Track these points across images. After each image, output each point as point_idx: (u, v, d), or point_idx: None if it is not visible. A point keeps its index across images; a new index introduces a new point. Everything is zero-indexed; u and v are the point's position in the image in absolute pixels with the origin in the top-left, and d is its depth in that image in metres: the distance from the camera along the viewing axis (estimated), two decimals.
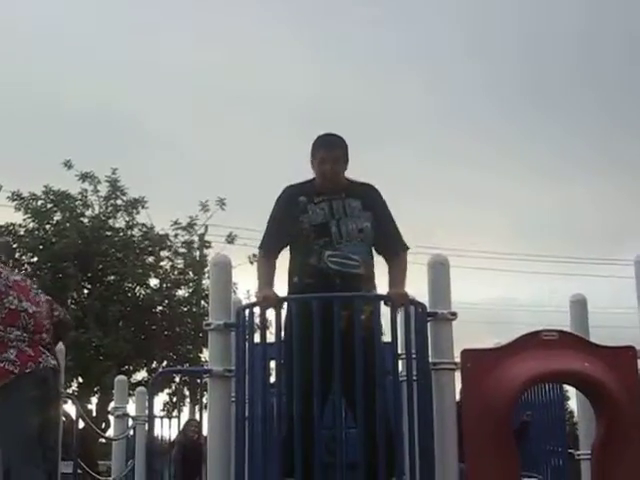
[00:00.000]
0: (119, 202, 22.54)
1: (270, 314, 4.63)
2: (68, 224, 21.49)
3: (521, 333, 4.70)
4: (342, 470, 4.32)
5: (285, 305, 4.64)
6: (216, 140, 39.48)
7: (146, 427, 8.16)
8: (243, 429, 4.56)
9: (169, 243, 22.87)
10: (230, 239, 23.15)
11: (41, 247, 21.49)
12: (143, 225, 22.71)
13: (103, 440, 14.43)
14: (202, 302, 22.10)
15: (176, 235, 23.02)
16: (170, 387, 21.37)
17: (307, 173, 5.03)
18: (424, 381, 4.58)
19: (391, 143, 43.00)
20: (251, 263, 19.83)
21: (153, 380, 11.46)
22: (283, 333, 4.54)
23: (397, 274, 4.86)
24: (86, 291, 22.28)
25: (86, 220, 22.20)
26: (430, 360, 4.65)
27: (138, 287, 22.60)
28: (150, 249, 22.60)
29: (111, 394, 14.81)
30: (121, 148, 33.31)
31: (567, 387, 7.14)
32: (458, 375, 4.66)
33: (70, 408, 8.93)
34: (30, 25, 38.47)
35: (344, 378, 4.32)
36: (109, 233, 22.21)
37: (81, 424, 8.43)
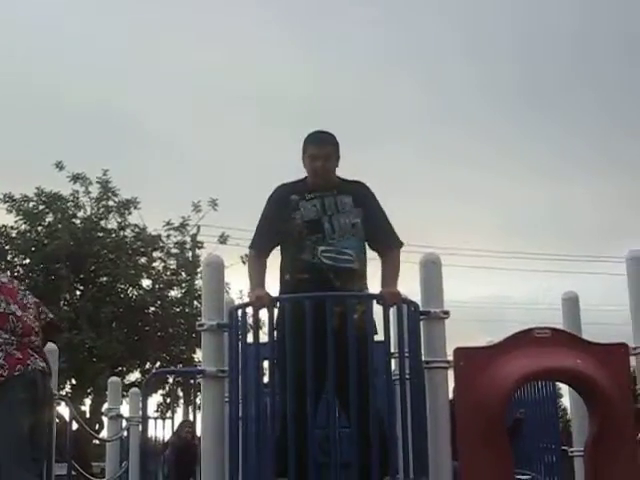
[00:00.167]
0: (111, 203, 22.52)
1: (263, 314, 4.63)
2: (60, 226, 21.48)
3: (514, 331, 4.71)
4: (336, 469, 4.32)
5: (277, 304, 4.64)
6: (208, 140, 39.48)
7: (140, 428, 8.15)
8: (237, 429, 4.56)
9: (161, 244, 22.89)
10: (222, 239, 23.17)
11: (33, 249, 21.48)
12: (135, 226, 22.72)
13: (97, 441, 14.40)
14: (195, 302, 22.10)
15: (168, 236, 23.06)
16: (164, 388, 21.37)
17: (300, 172, 5.04)
18: (417, 380, 4.59)
19: (386, 142, 43.05)
20: (244, 263, 19.80)
21: (146, 381, 11.43)
22: (276, 332, 4.55)
23: (390, 271, 4.87)
24: (79, 292, 22.27)
25: (78, 221, 22.20)
26: (423, 359, 4.66)
27: (131, 288, 22.60)
28: (142, 250, 22.61)
29: (104, 395, 14.77)
30: (113, 149, 33.30)
31: (560, 384, 7.15)
32: (451, 373, 4.67)
33: (63, 410, 8.92)
34: (28, 24, 38.40)
35: (337, 377, 4.32)
36: (101, 234, 22.21)
37: (75, 426, 8.40)
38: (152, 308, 22.51)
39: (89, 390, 21.81)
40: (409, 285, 4.99)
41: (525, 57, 49.31)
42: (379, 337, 4.53)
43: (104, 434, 11.43)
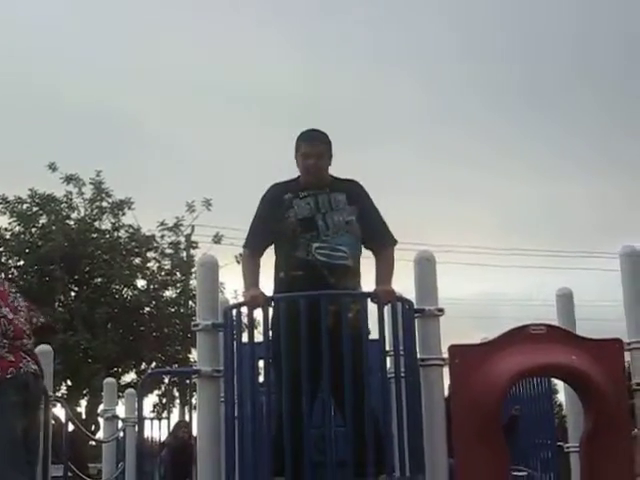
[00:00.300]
0: (104, 204, 22.50)
1: (258, 314, 4.64)
2: (54, 227, 21.46)
3: (508, 328, 4.72)
4: (332, 468, 4.32)
5: (272, 303, 4.64)
6: (202, 140, 39.41)
7: (136, 429, 8.14)
8: (232, 429, 4.57)
9: (156, 244, 22.86)
10: (217, 239, 23.15)
11: (27, 250, 21.46)
12: (129, 226, 22.70)
13: (93, 443, 14.37)
14: (190, 302, 22.09)
15: (163, 236, 23.03)
16: (159, 388, 21.36)
17: (294, 171, 5.04)
18: (412, 377, 4.59)
19: (385, 141, 42.98)
20: (238, 262, 19.77)
21: (142, 382, 11.46)
22: (271, 332, 4.55)
23: (384, 269, 4.87)
24: (73, 294, 22.25)
25: (72, 223, 22.17)
26: (418, 356, 4.66)
27: (125, 289, 22.58)
28: (137, 250, 22.59)
29: (100, 396, 14.78)
30: (106, 150, 33.17)
31: (556, 380, 7.16)
32: (446, 371, 4.67)
33: (59, 411, 8.91)
34: (24, 24, 38.33)
35: (332, 376, 4.32)
36: (95, 235, 22.18)
37: (71, 427, 8.39)
38: (147, 308, 22.48)
39: (85, 391, 21.78)
40: (404, 283, 4.99)
41: (524, 57, 49.29)
42: (373, 335, 4.53)
43: (100, 435, 11.43)
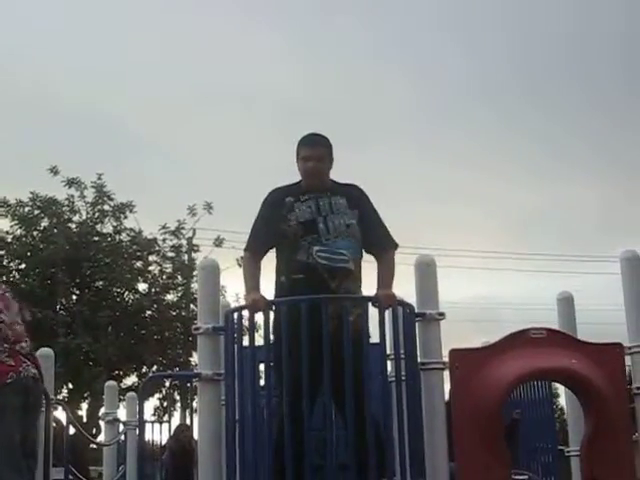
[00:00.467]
0: (106, 207, 22.50)
1: (259, 317, 4.64)
2: (55, 230, 21.44)
3: (509, 331, 4.72)
4: (333, 472, 4.32)
5: (273, 307, 4.64)
6: (203, 144, 39.45)
7: (137, 432, 8.15)
8: (233, 432, 4.57)
9: (157, 247, 22.85)
10: (218, 242, 23.13)
11: (29, 254, 21.44)
12: (131, 230, 22.69)
13: (94, 446, 14.38)
14: (191, 306, 22.08)
15: (164, 239, 23.02)
16: (160, 392, 21.33)
17: (295, 175, 5.05)
18: (413, 381, 4.59)
19: (382, 143, 43.05)
20: (239, 266, 19.77)
21: (143, 385, 11.44)
22: (272, 335, 4.55)
23: (385, 273, 4.87)
24: (75, 297, 22.23)
25: (73, 226, 22.16)
26: (419, 360, 4.67)
27: (127, 292, 22.57)
28: (138, 254, 22.58)
29: (101, 400, 14.80)
30: (108, 153, 33.24)
31: (557, 384, 7.17)
32: (447, 375, 4.67)
33: (60, 414, 8.92)
34: (25, 28, 38.39)
35: (333, 380, 4.33)
36: (97, 238, 22.16)
37: (72, 430, 8.39)
38: (148, 312, 22.46)
39: (86, 394, 21.76)
40: (404, 287, 5.00)
41: (522, 57, 49.36)
42: (374, 339, 4.54)
43: (101, 438, 11.42)
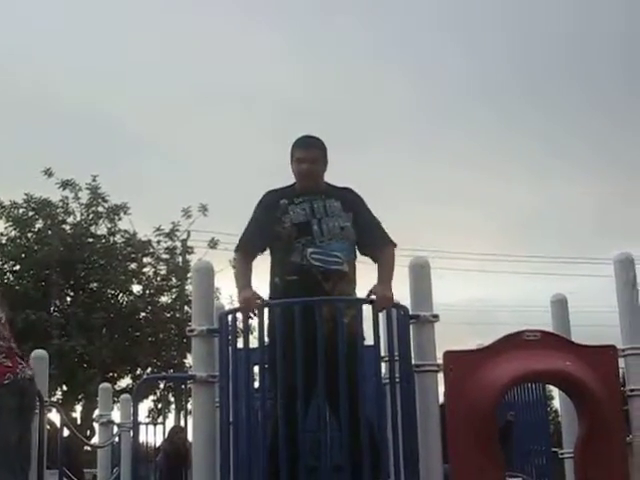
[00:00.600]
0: (100, 209, 22.50)
1: (253, 320, 4.63)
2: (50, 232, 21.45)
3: (503, 334, 4.73)
4: (327, 473, 4.33)
5: (267, 308, 4.64)
6: (198, 145, 39.43)
7: (131, 434, 8.14)
8: (228, 434, 4.57)
9: (152, 249, 22.85)
10: (212, 244, 23.14)
11: (23, 255, 21.45)
12: (125, 232, 22.69)
13: (88, 448, 14.37)
14: (185, 308, 22.08)
15: (159, 241, 23.03)
16: (155, 393, 21.34)
17: (290, 176, 5.05)
18: (407, 383, 4.60)
19: (379, 144, 43.04)
20: (233, 268, 19.78)
21: (137, 387, 11.43)
22: (267, 337, 4.55)
23: (384, 268, 4.85)
24: (69, 298, 22.25)
25: (68, 227, 22.17)
26: (413, 362, 4.67)
27: (121, 294, 22.58)
28: (133, 256, 22.59)
29: (96, 402, 14.76)
30: (102, 154, 33.20)
31: (551, 386, 7.17)
32: (441, 377, 4.68)
33: (54, 416, 8.90)
34: (23, 28, 38.37)
35: (327, 382, 4.33)
36: (91, 240, 22.18)
37: (66, 432, 8.39)
38: (143, 314, 22.47)
39: (80, 396, 21.76)
40: (399, 289, 4.99)
41: (522, 57, 49.37)
42: (368, 341, 4.54)
43: (95, 440, 11.42)
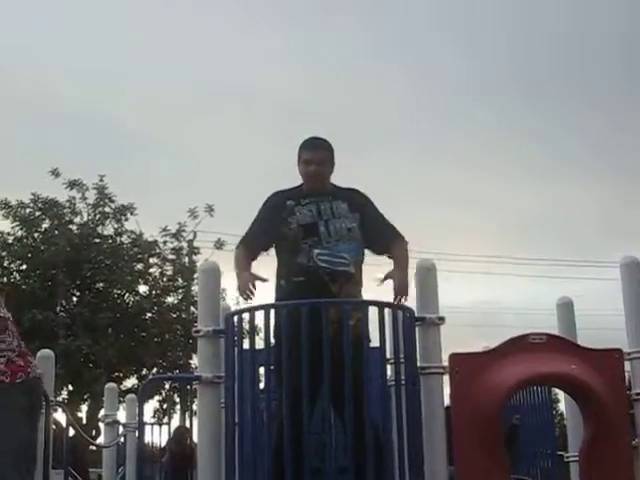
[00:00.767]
0: (107, 209, 22.53)
1: (259, 320, 4.64)
2: (56, 232, 21.46)
3: (509, 336, 4.73)
4: (332, 475, 4.33)
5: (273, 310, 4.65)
6: (204, 145, 39.47)
7: (136, 434, 8.15)
8: (233, 435, 4.57)
9: (158, 250, 22.86)
10: (219, 245, 23.14)
11: (30, 255, 21.46)
12: (132, 232, 22.71)
13: (94, 448, 14.38)
14: (192, 308, 22.09)
15: (165, 242, 23.03)
16: (160, 394, 21.35)
17: (296, 177, 5.06)
18: (412, 385, 4.60)
19: (381, 145, 43.03)
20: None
21: (143, 387, 11.45)
22: (273, 338, 4.55)
23: (400, 260, 4.90)
24: (75, 299, 22.25)
25: (74, 227, 22.18)
26: (418, 364, 4.67)
27: (127, 294, 22.59)
28: (139, 256, 22.60)
29: (101, 401, 14.80)
30: (109, 154, 33.25)
31: (556, 389, 7.16)
32: (447, 379, 4.68)
33: (60, 416, 8.92)
34: (26, 28, 38.42)
35: (332, 384, 4.33)
36: (98, 240, 22.19)
37: (71, 432, 8.40)
38: (149, 314, 22.48)
39: (86, 396, 21.77)
40: None
41: (522, 57, 49.33)
42: (374, 343, 4.54)
43: (101, 440, 11.42)
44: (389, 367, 4.71)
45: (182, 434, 11.05)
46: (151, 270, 22.86)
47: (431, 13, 48.86)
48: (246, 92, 40.61)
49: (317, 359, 4.32)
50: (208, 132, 39.79)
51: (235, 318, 4.69)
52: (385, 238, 4.97)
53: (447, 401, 4.87)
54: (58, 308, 21.45)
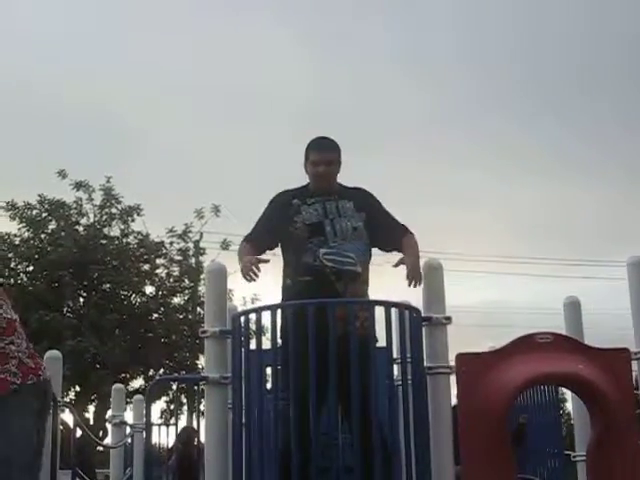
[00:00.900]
0: (114, 210, 22.57)
1: (266, 320, 4.64)
2: (63, 233, 21.53)
3: (516, 336, 4.72)
4: (338, 475, 4.33)
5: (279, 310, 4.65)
6: (211, 146, 39.48)
7: (144, 435, 8.15)
8: (240, 436, 4.58)
9: (164, 251, 22.91)
10: (225, 245, 23.17)
11: (37, 256, 21.53)
12: (138, 233, 22.76)
13: (101, 448, 14.42)
14: (198, 309, 22.13)
15: (171, 243, 23.08)
16: (167, 394, 21.38)
17: (302, 178, 5.07)
18: (419, 385, 4.60)
19: (387, 145, 43.02)
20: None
21: (150, 388, 11.45)
22: (279, 338, 4.55)
23: (411, 250, 4.89)
24: (82, 300, 22.31)
25: (81, 229, 22.25)
26: (425, 364, 4.67)
27: (134, 295, 22.65)
28: (146, 257, 22.65)
29: (108, 402, 14.81)
30: (115, 156, 33.36)
31: (564, 389, 7.16)
32: (453, 379, 4.68)
33: (67, 417, 8.93)
34: (30, 31, 38.51)
35: (339, 384, 4.33)
36: (104, 241, 22.25)
37: (79, 432, 8.41)
38: (155, 315, 22.53)
39: (93, 397, 21.83)
40: (411, 291, 5.00)
41: (527, 59, 49.31)
42: (381, 343, 4.54)
43: (108, 441, 11.45)
44: (396, 367, 4.71)
45: (189, 435, 11.05)
46: (158, 271, 22.93)
47: (433, 14, 48.86)
48: (253, 92, 40.65)
49: (324, 359, 4.32)
50: (214, 132, 39.85)
51: (242, 318, 4.69)
52: (394, 235, 4.97)
53: (454, 401, 4.87)
54: (65, 309, 21.53)
